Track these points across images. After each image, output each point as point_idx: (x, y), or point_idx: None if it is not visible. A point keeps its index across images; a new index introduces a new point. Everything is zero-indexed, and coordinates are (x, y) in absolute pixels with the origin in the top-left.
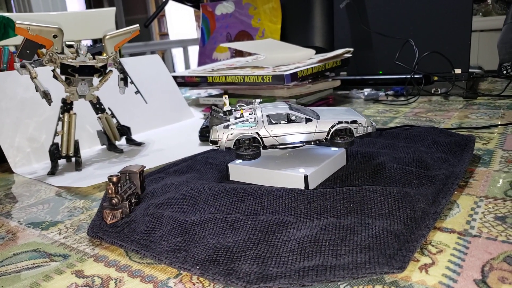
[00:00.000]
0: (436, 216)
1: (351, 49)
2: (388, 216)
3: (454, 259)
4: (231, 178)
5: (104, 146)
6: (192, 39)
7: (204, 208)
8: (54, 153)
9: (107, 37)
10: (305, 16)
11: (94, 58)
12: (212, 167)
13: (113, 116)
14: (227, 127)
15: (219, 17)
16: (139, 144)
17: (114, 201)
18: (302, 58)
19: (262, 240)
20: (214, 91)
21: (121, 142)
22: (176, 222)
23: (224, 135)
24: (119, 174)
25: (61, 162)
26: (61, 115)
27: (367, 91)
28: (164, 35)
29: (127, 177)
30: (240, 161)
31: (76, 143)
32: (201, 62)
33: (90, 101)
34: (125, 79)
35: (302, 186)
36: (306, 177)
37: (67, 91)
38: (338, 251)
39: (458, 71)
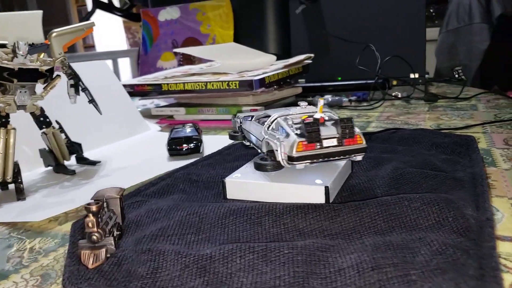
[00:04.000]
0: (491, 223)
1: (312, 55)
2: (438, 228)
3: None
4: (228, 197)
5: (50, 168)
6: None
7: (212, 236)
8: None
9: (54, 34)
10: (258, 22)
11: (37, 60)
12: (199, 185)
13: (62, 130)
14: None
15: (162, 23)
16: (93, 163)
17: (94, 237)
18: (263, 64)
19: (311, 273)
20: (163, 102)
21: (71, 162)
22: (187, 259)
23: None
24: (98, 201)
25: None
26: None
27: (329, 97)
28: (89, 47)
29: (104, 204)
30: (239, 175)
31: (16, 165)
32: (144, 72)
33: (32, 113)
34: (76, 85)
35: (322, 200)
36: (326, 189)
37: (1, 101)
38: (408, 277)
39: (415, 75)
